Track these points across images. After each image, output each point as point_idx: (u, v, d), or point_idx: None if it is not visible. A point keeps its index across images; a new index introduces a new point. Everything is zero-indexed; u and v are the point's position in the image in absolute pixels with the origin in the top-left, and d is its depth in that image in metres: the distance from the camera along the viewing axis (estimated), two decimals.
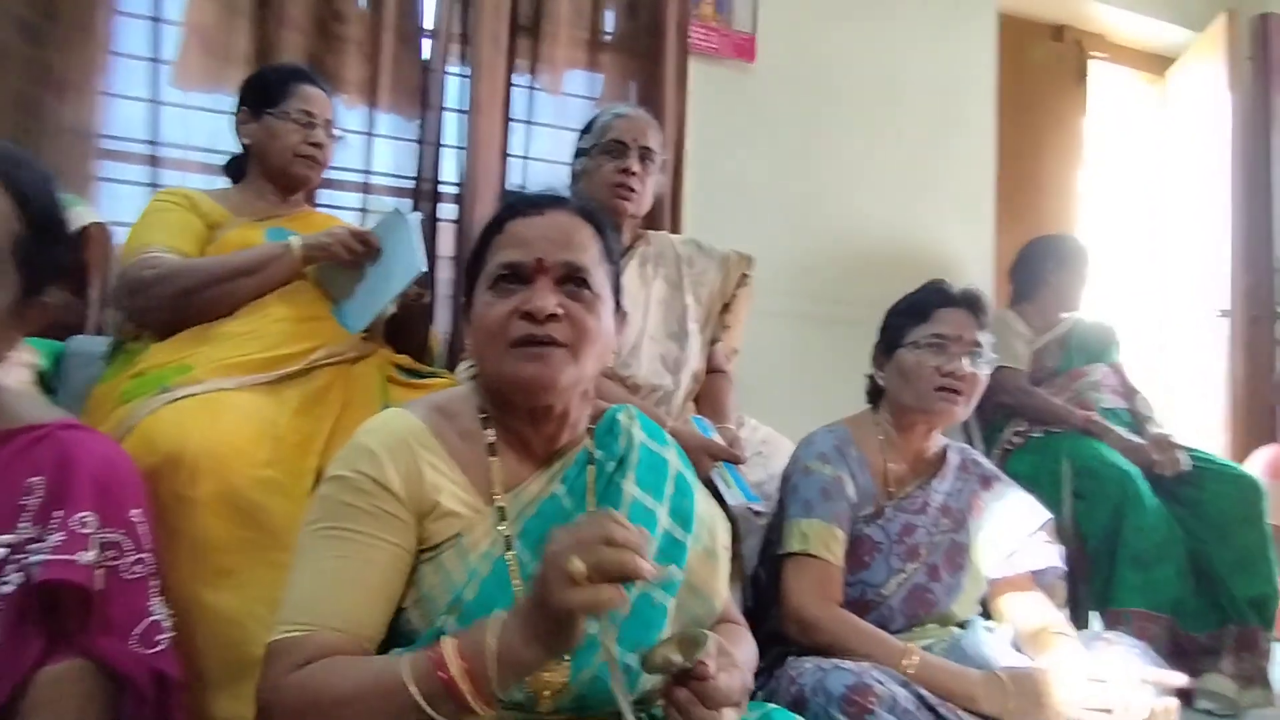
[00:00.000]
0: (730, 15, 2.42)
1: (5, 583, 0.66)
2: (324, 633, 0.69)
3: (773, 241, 2.34)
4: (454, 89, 2.08)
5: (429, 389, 1.44)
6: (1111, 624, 1.78)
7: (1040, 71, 3.04)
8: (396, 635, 0.75)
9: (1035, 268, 2.28)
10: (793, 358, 2.35)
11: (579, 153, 1.61)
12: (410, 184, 2.04)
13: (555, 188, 0.87)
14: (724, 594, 0.87)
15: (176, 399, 1.15)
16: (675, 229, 2.16)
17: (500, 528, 0.77)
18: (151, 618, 0.78)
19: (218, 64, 1.88)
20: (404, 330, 1.55)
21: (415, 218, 1.43)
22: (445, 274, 2.03)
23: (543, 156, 2.17)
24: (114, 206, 1.80)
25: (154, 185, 1.81)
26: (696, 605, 0.83)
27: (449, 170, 2.06)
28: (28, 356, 1.27)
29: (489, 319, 0.77)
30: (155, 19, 1.84)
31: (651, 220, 1.70)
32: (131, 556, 0.76)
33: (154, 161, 1.84)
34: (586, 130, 1.61)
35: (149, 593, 0.78)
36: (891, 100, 2.62)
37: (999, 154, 2.76)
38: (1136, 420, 2.12)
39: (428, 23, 2.07)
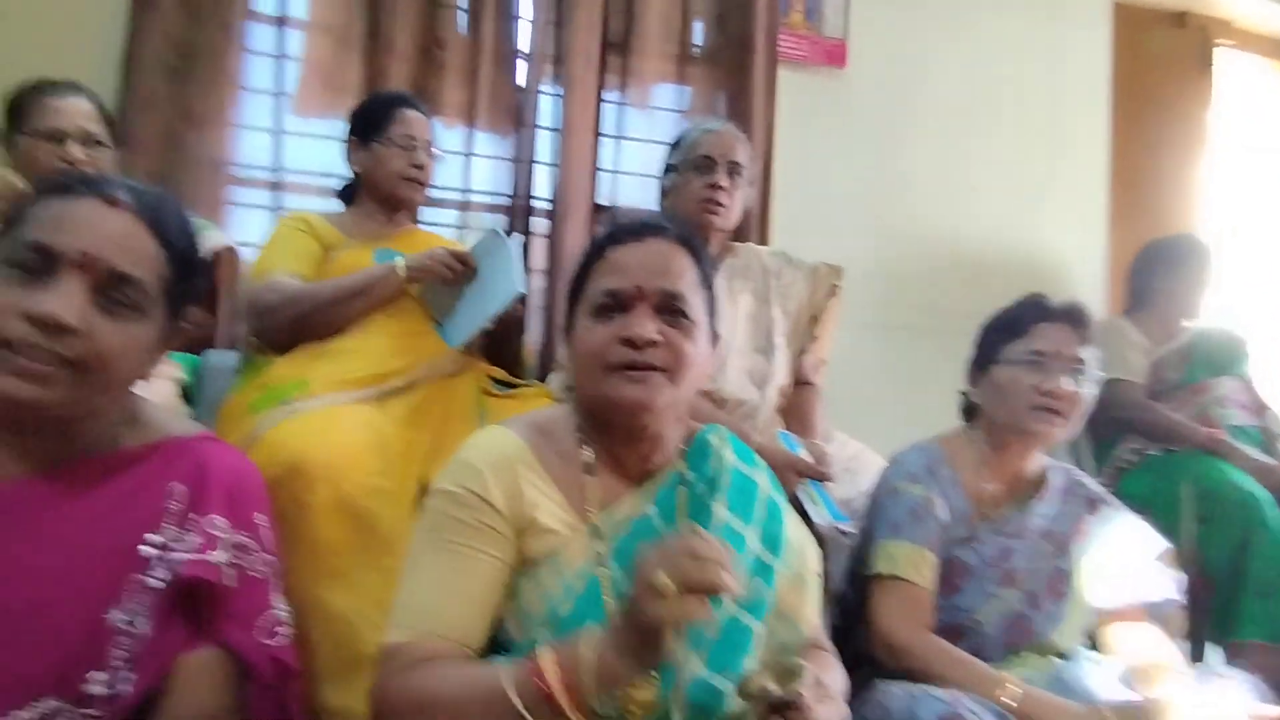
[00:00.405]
0: (820, 22, 2.39)
1: (156, 578, 0.75)
2: (431, 639, 0.74)
3: (864, 250, 2.30)
4: (547, 108, 2.16)
5: (522, 399, 1.50)
6: (1232, 656, 1.66)
7: (1160, 62, 2.83)
8: (496, 644, 0.79)
9: (1152, 272, 2.14)
10: (883, 370, 2.30)
11: (668, 169, 1.63)
12: (505, 201, 2.12)
13: (653, 214, 0.90)
14: (813, 620, 0.88)
15: (296, 412, 1.25)
16: (763, 240, 2.15)
17: (595, 545, 0.81)
18: (274, 612, 0.85)
19: (332, 94, 2.02)
20: (499, 344, 1.61)
21: (515, 241, 1.49)
22: (537, 287, 2.10)
23: (632, 170, 2.21)
24: (242, 229, 1.97)
25: (277, 209, 1.97)
26: (785, 631, 0.84)
27: (542, 187, 2.13)
28: (171, 371, 1.41)
29: (590, 344, 0.81)
30: (278, 56, 2.00)
31: (739, 232, 1.70)
32: (257, 557, 0.83)
33: (277, 186, 1.99)
34: (675, 146, 1.64)
35: (272, 591, 0.86)
36: (993, 98, 2.51)
37: (1113, 151, 2.60)
38: (1267, 439, 1.96)
39: (523, 45, 2.15)
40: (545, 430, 0.86)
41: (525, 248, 1.58)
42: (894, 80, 2.44)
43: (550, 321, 1.98)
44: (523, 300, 1.60)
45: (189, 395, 1.46)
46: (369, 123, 1.60)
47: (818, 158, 2.35)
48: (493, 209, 2.13)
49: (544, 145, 2.13)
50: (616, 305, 0.81)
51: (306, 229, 1.54)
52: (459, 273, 1.46)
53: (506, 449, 0.83)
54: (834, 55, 2.39)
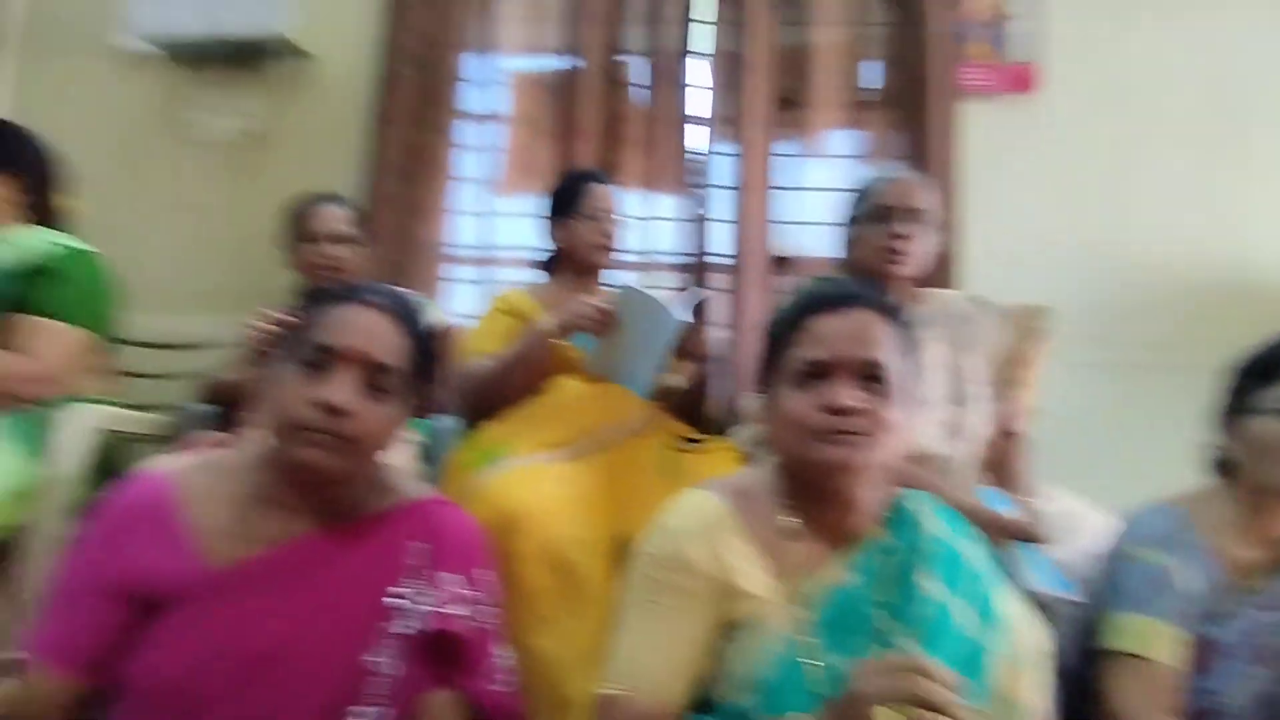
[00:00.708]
0: (1003, 47, 2.27)
1: (403, 627, 0.87)
2: (639, 696, 0.79)
3: (1074, 284, 2.11)
4: (722, 167, 2.24)
5: (710, 454, 1.54)
6: None
7: None
8: (698, 704, 0.82)
9: None
10: (1103, 415, 2.06)
11: (851, 220, 1.63)
12: (686, 260, 2.21)
13: (850, 282, 0.92)
14: (1036, 705, 0.82)
15: (505, 469, 1.39)
16: (954, 285, 2.06)
17: (797, 612, 0.82)
18: (500, 661, 0.95)
19: (528, 175, 2.25)
20: (686, 402, 1.68)
21: (692, 294, 1.55)
22: (718, 339, 2.15)
23: (809, 220, 2.22)
24: (457, 302, 2.23)
25: (485, 283, 2.20)
26: (1007, 717, 0.80)
27: (721, 243, 2.20)
28: (411, 435, 1.62)
29: (792, 411, 0.84)
30: (483, 149, 2.26)
31: (929, 278, 1.65)
32: (486, 610, 0.93)
33: (484, 262, 2.23)
34: (858, 199, 1.63)
35: (498, 641, 0.96)
36: (1220, 105, 2.22)
37: None
38: None
39: (697, 110, 2.26)
40: (745, 494, 0.89)
41: (700, 305, 1.63)
42: (1096, 96, 2.23)
43: (734, 376, 2.02)
44: (707, 359, 1.65)
45: (428, 455, 1.66)
46: (563, 200, 1.77)
47: (1012, 191, 2.20)
48: (674, 268, 2.23)
49: (721, 203, 2.21)
50: (817, 373, 0.83)
51: (507, 309, 1.71)
52: (600, 320, 1.51)
53: (708, 513, 0.86)
54: (1020, 81, 2.26)
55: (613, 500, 1.39)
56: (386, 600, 0.86)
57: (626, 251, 2.13)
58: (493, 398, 1.56)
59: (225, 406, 1.68)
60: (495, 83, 2.30)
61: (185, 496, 0.87)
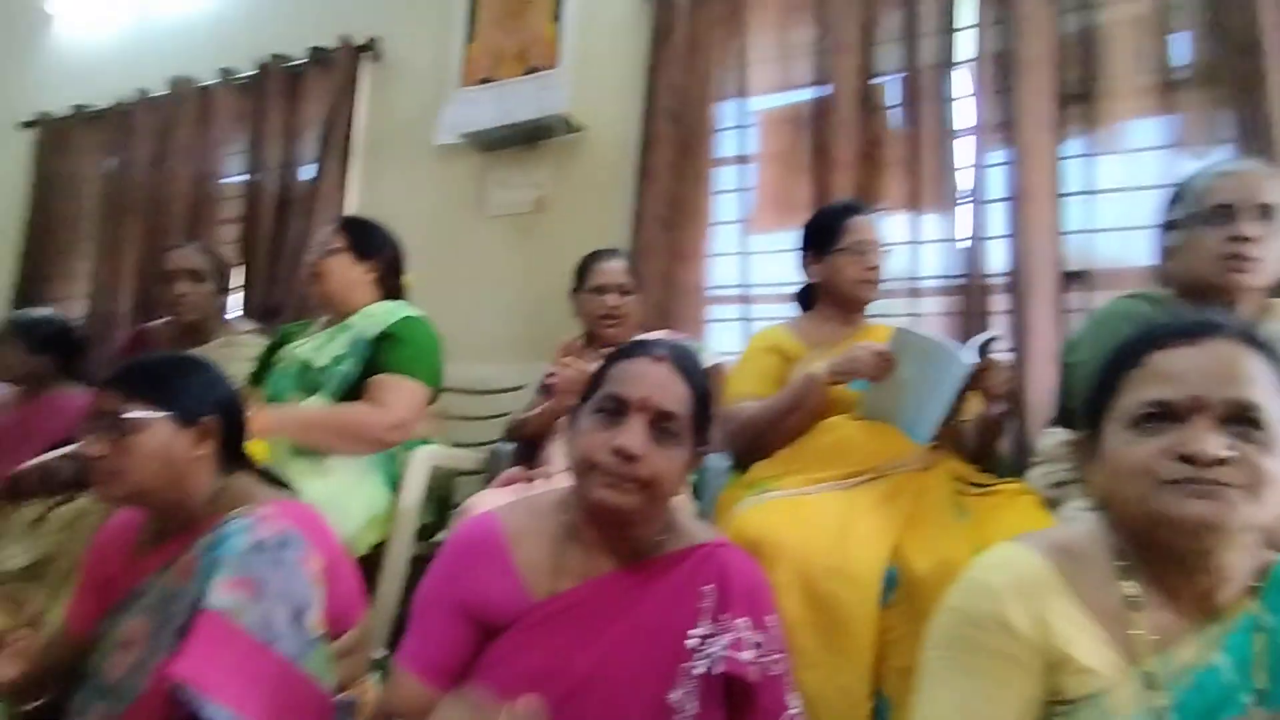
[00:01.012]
0: None
1: (699, 668, 0.90)
2: None
3: None
4: (996, 179, 2.06)
5: (1006, 498, 1.41)
6: None
7: None
8: None
9: None
10: None
11: (1168, 225, 1.41)
12: (957, 282, 2.06)
13: (1206, 309, 0.80)
14: None
15: (767, 500, 1.39)
16: None
17: (1149, 696, 0.71)
18: (790, 710, 0.95)
19: (782, 211, 2.27)
20: (976, 442, 1.56)
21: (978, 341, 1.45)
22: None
23: (1107, 226, 1.95)
24: (719, 341, 2.31)
25: (746, 320, 2.25)
26: None
27: (998, 261, 2.01)
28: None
29: (1133, 459, 0.73)
30: (738, 190, 2.33)
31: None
32: (773, 656, 0.94)
33: (744, 300, 2.28)
34: (1175, 199, 1.40)
35: (786, 687, 0.96)
36: None
37: None
38: None
39: (961, 123, 2.12)
40: (1072, 552, 0.78)
41: (987, 345, 1.50)
42: None
43: (1021, 412, 1.82)
44: (1001, 401, 1.51)
45: (696, 491, 1.73)
46: (822, 235, 1.75)
47: None
48: (947, 292, 2.09)
49: (997, 218, 2.03)
50: (1166, 416, 0.72)
51: (769, 346, 1.73)
52: (879, 366, 1.46)
53: (1029, 571, 0.77)
54: None
55: (885, 533, 1.33)
56: (687, 641, 0.91)
57: (893, 279, 2.06)
58: (762, 441, 1.58)
59: (526, 444, 1.90)
60: (747, 125, 2.36)
61: (511, 534, 1.00)
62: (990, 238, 2.02)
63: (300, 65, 3.04)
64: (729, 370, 1.81)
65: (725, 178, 2.38)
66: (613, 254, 2.03)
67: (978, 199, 2.04)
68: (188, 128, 3.23)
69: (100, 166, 3.49)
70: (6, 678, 1.09)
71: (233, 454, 1.17)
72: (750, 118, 2.36)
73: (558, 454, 1.75)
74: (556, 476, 1.68)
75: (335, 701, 1.06)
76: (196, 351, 2.33)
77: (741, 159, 2.35)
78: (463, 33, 2.75)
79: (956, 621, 0.78)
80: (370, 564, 1.70)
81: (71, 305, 3.36)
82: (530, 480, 1.68)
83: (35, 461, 1.77)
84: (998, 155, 2.05)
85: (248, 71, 3.13)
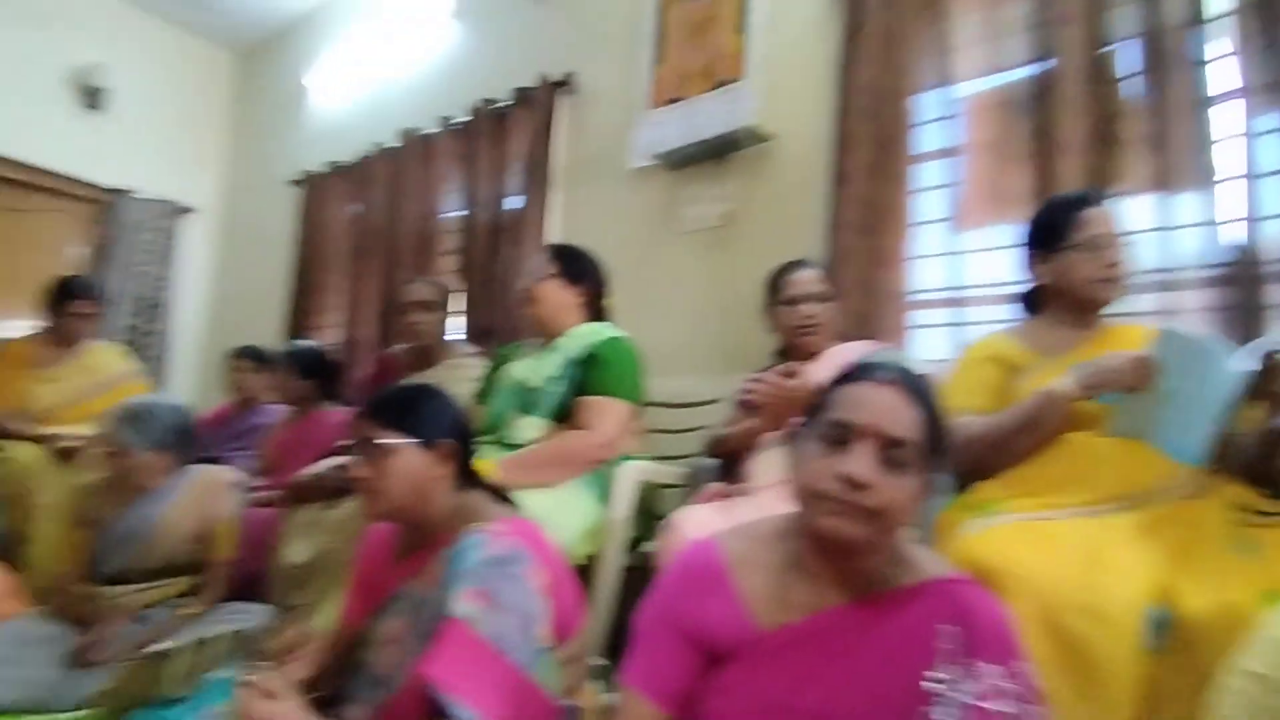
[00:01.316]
0: None
1: (941, 713, 0.84)
2: None
3: None
4: (1267, 148, 1.74)
5: None
6: None
7: None
8: None
9: None
10: None
11: None
12: (1222, 271, 1.76)
13: None
14: None
15: (999, 523, 1.26)
16: None
17: None
18: None
19: (995, 204, 2.08)
20: (1257, 461, 1.32)
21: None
22: None
23: None
24: (924, 348, 2.17)
25: (956, 325, 2.09)
26: None
27: (1276, 244, 1.69)
28: None
29: None
30: (941, 186, 2.17)
31: None
32: (1033, 711, 0.85)
33: (954, 304, 2.12)
34: None
35: None
36: None
37: None
38: None
39: (1217, 88, 1.81)
40: None
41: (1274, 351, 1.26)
42: None
43: None
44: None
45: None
46: (1050, 231, 1.58)
47: None
48: (1208, 283, 1.79)
49: (1272, 194, 1.71)
50: None
51: (988, 357, 1.58)
52: (1139, 375, 1.29)
53: None
54: None
55: (1147, 567, 1.16)
56: (924, 684, 0.85)
57: (1138, 273, 1.81)
58: (989, 460, 1.45)
59: (725, 459, 1.90)
60: (950, 115, 2.19)
61: (732, 562, 0.99)
62: (1266, 218, 1.71)
63: (506, 106, 3.30)
64: (947, 383, 1.68)
65: (926, 174, 2.23)
66: (802, 264, 1.98)
67: (1250, 173, 1.73)
68: (414, 172, 3.64)
69: (347, 213, 4.04)
70: (301, 678, 1.27)
71: (466, 472, 1.29)
72: (955, 107, 2.20)
73: (759, 470, 1.73)
74: (758, 493, 1.66)
75: (560, 707, 1.12)
76: (427, 373, 2.62)
77: (946, 152, 2.19)
78: (650, 56, 2.83)
79: (1254, 689, 0.68)
80: (583, 574, 1.78)
81: (327, 334, 3.90)
82: (731, 496, 1.68)
83: (309, 471, 2.06)
84: (1269, 121, 1.73)
85: (462, 117, 3.46)
